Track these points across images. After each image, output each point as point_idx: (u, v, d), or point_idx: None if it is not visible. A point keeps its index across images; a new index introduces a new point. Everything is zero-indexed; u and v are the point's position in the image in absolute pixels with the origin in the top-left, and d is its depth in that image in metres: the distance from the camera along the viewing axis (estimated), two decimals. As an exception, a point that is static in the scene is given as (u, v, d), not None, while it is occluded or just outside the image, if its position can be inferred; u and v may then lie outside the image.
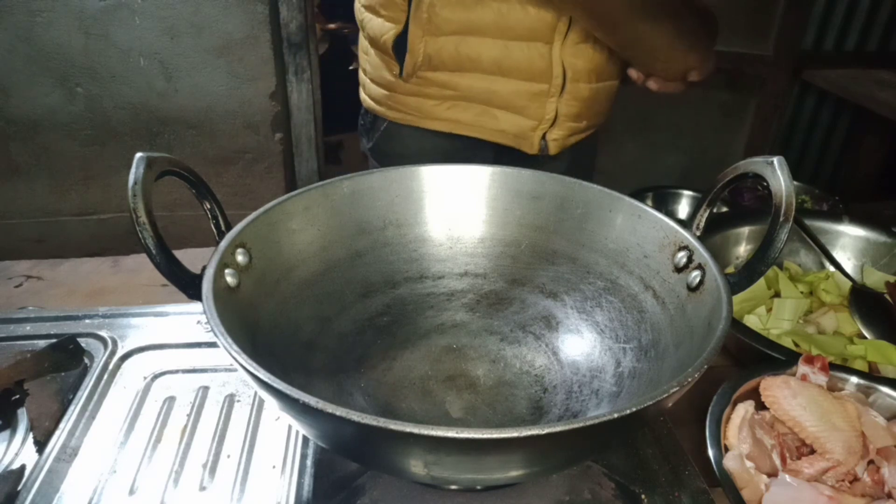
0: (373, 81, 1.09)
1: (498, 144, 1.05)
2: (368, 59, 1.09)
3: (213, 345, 0.70)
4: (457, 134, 1.05)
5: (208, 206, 0.55)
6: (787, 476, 0.55)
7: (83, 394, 0.63)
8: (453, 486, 0.55)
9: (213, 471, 0.57)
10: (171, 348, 0.70)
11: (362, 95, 1.14)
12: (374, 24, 1.03)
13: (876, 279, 0.88)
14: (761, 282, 0.84)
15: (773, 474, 0.56)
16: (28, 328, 0.72)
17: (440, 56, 0.97)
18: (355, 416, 0.37)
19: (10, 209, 1.76)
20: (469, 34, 0.95)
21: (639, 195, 0.99)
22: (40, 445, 0.57)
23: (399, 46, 1.00)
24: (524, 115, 1.00)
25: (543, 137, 1.03)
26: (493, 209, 0.69)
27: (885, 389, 0.63)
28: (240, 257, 0.54)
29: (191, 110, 1.72)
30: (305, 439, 0.59)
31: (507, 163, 0.98)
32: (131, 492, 0.54)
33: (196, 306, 0.47)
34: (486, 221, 0.70)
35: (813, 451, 0.58)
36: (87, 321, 0.73)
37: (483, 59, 0.96)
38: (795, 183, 0.99)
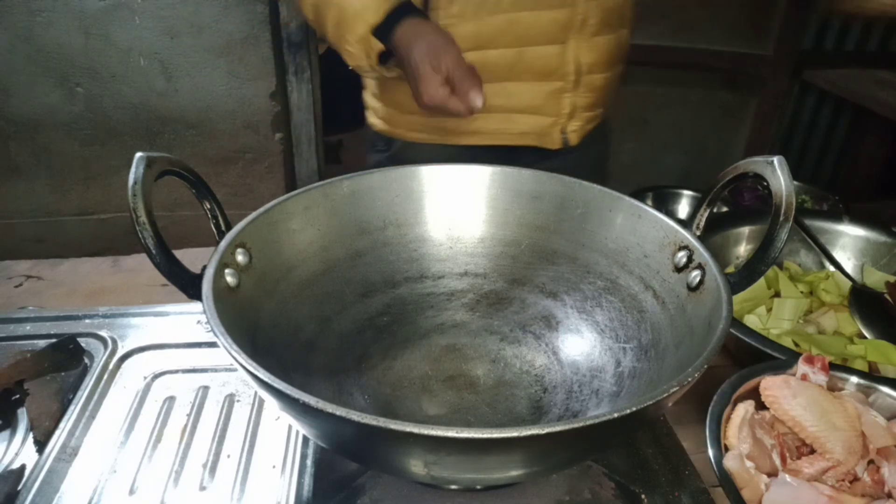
0: (385, 105, 1.06)
1: (530, 147, 1.05)
2: (380, 85, 1.06)
3: (213, 345, 0.70)
4: (482, 145, 1.04)
5: (208, 206, 0.55)
6: (787, 476, 0.55)
7: (83, 394, 0.63)
8: (453, 486, 0.55)
9: (213, 471, 0.57)
10: (171, 348, 0.70)
11: (372, 119, 1.11)
12: None
13: (876, 279, 0.88)
14: (761, 282, 0.84)
15: (773, 474, 0.56)
16: (28, 328, 0.72)
17: None
18: (355, 416, 0.37)
19: (10, 209, 1.76)
20: (483, 47, 0.94)
21: (639, 195, 0.99)
22: (40, 445, 0.57)
23: None
24: (542, 113, 1.01)
25: (563, 131, 1.04)
26: (493, 209, 0.69)
27: (885, 389, 0.63)
28: (240, 257, 0.54)
29: (191, 110, 1.71)
30: (305, 439, 0.59)
31: (528, 161, 0.94)
32: (131, 492, 0.54)
33: (196, 306, 0.47)
34: (486, 221, 0.69)
35: (813, 451, 0.58)
36: (87, 321, 0.73)
37: (499, 69, 0.96)
38: (795, 183, 0.99)
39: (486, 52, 0.95)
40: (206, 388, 0.66)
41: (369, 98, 1.12)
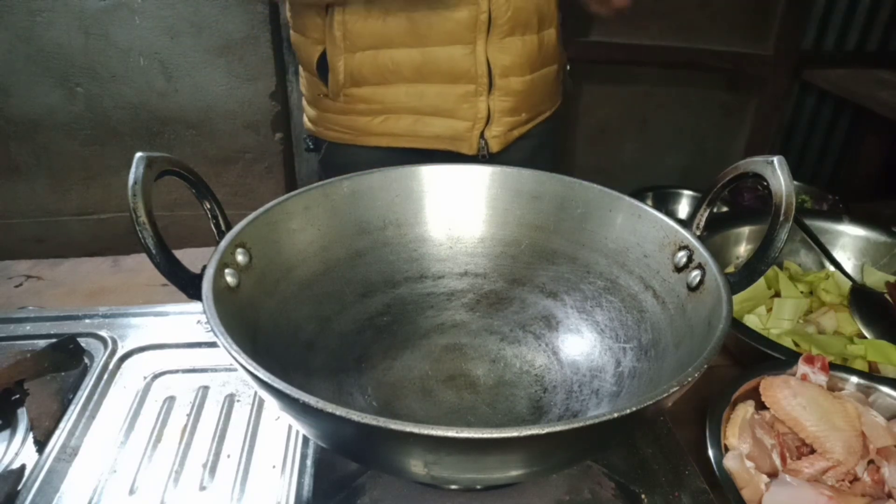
0: (309, 104, 1.08)
1: (444, 151, 1.02)
2: (304, 83, 1.08)
3: (213, 345, 0.70)
4: (396, 147, 1.02)
5: (208, 206, 0.55)
6: (787, 476, 0.55)
7: (83, 394, 0.63)
8: (453, 486, 0.55)
9: (213, 471, 0.57)
10: (171, 348, 0.70)
11: (304, 119, 1.13)
12: (302, 45, 1.01)
13: (876, 279, 0.88)
14: (761, 282, 0.84)
15: (773, 474, 0.56)
16: (28, 328, 0.72)
17: (360, 72, 0.96)
18: (355, 416, 0.37)
19: (10, 209, 1.76)
20: (384, 46, 0.93)
21: (639, 195, 0.99)
22: (40, 445, 0.57)
23: (323, 66, 0.99)
24: (456, 117, 0.99)
25: (483, 136, 1.00)
26: (493, 209, 0.69)
27: (885, 389, 0.63)
28: (240, 257, 0.54)
29: (191, 110, 1.72)
30: (305, 439, 0.59)
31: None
32: (131, 492, 0.54)
33: (196, 306, 0.47)
34: (486, 221, 0.69)
35: (813, 451, 0.58)
36: (87, 321, 0.73)
37: (403, 69, 0.94)
38: (795, 183, 0.99)
39: (392, 51, 0.93)
40: (206, 388, 0.66)
41: (305, 104, 1.13)
